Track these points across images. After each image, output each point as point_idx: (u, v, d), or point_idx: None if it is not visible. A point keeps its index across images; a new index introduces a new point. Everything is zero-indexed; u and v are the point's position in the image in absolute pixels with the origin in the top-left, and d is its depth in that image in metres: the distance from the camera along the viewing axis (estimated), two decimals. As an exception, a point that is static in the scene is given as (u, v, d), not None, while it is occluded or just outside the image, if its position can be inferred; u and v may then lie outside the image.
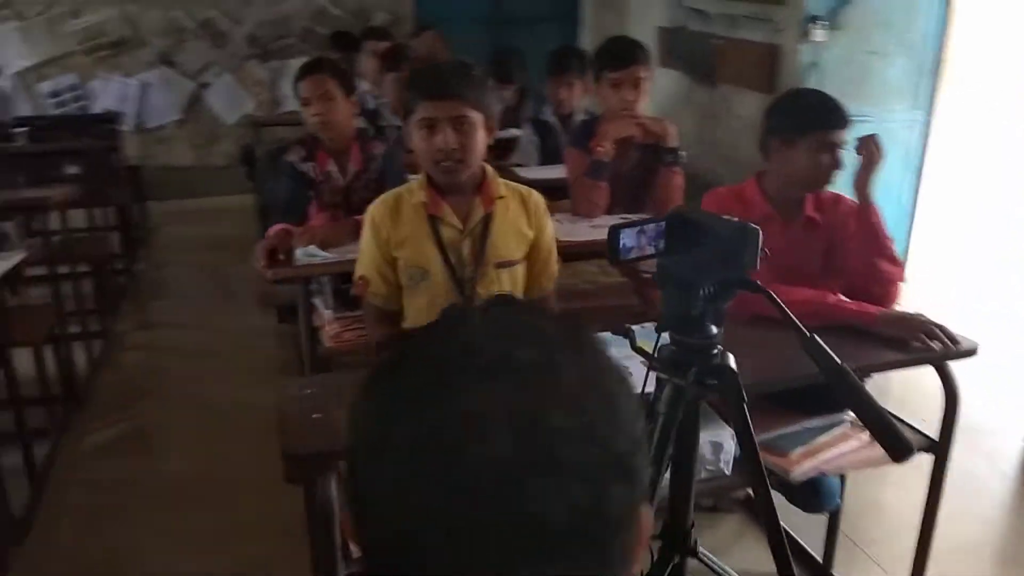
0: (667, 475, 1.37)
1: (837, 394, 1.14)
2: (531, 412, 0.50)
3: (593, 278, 2.62)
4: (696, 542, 1.42)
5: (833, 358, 1.13)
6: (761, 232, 1.18)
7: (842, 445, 1.86)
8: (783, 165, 2.09)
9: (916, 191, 4.62)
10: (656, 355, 1.29)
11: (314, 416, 1.53)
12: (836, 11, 4.14)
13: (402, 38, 5.41)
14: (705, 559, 1.41)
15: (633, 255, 1.21)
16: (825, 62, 4.22)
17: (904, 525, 2.22)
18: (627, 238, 1.19)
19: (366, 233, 2.06)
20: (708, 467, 1.77)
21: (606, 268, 2.70)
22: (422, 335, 0.59)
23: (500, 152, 4.15)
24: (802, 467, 1.79)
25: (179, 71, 6.16)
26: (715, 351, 1.27)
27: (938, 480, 1.97)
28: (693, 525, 1.41)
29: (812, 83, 4.20)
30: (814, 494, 2.18)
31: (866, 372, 1.88)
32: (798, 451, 1.81)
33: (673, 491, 1.37)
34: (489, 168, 2.09)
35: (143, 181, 5.72)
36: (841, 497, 2.27)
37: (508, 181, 2.14)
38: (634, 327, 1.32)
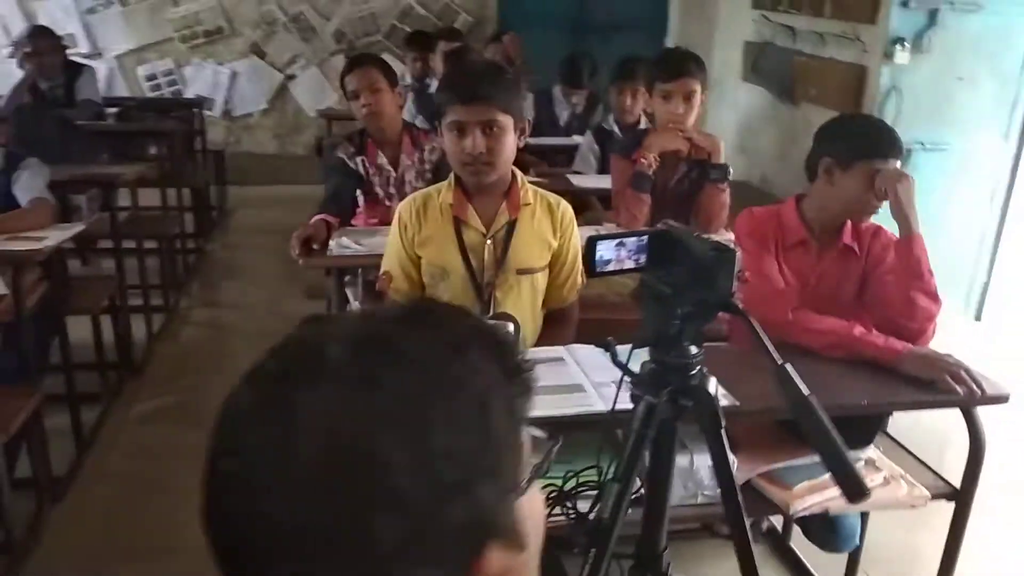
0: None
1: (800, 426, 1.10)
2: (329, 426, 0.50)
3: (624, 290, 2.58)
4: (669, 565, 1.39)
5: (800, 389, 1.09)
6: (739, 256, 1.14)
7: (852, 483, 1.78)
8: (831, 189, 2.03)
9: (1000, 226, 4.39)
10: (635, 371, 1.27)
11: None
12: (923, 33, 3.98)
13: (479, 41, 5.48)
14: (675, 584, 1.38)
15: (611, 268, 1.20)
16: (906, 85, 4.06)
17: (929, 570, 2.12)
18: (604, 250, 1.18)
19: (393, 229, 2.10)
20: (706, 492, 1.73)
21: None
22: (302, 326, 0.61)
23: (563, 159, 4.16)
24: (803, 502, 1.72)
25: (268, 62, 6.39)
26: (693, 372, 1.24)
27: (958, 529, 1.86)
28: (666, 548, 1.38)
29: (891, 107, 4.05)
30: (831, 533, 2.11)
31: (885, 409, 1.80)
32: (802, 485, 1.75)
33: (646, 511, 1.34)
34: (520, 174, 2.10)
35: (226, 165, 5.96)
36: (862, 538, 2.18)
37: (539, 189, 2.14)
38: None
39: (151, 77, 6.32)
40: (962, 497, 1.84)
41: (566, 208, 2.12)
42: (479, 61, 2.74)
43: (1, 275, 2.19)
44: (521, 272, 2.04)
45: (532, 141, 4.37)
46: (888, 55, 4.02)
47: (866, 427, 1.87)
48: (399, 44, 6.08)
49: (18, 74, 4.26)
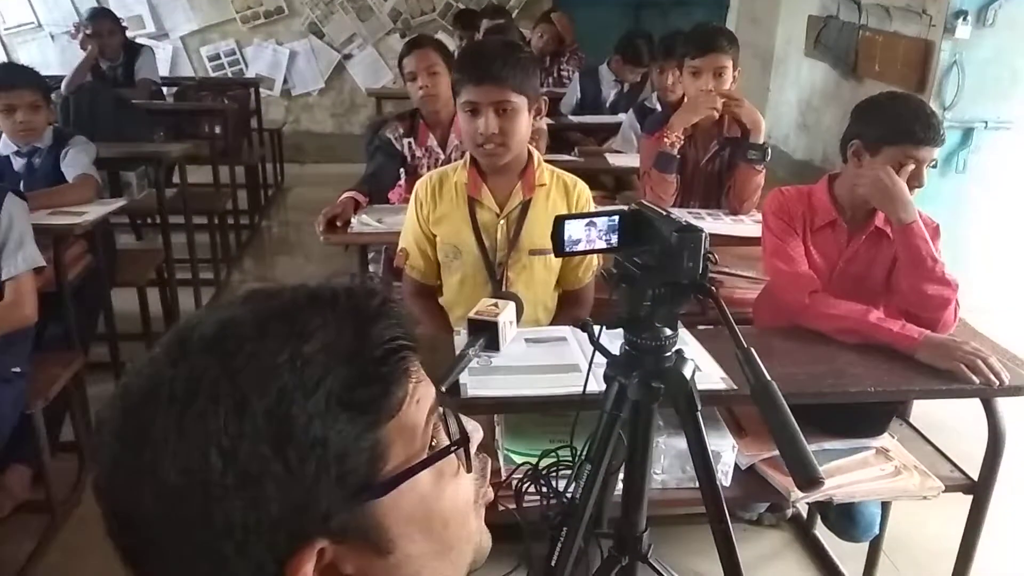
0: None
1: (759, 408, 1.07)
2: (130, 403, 0.51)
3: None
4: (650, 547, 1.38)
5: (762, 373, 1.07)
6: (706, 237, 1.12)
7: (859, 472, 1.74)
8: (860, 172, 1.97)
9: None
10: (612, 353, 1.26)
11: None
12: (987, 7, 3.77)
13: (530, 19, 5.44)
14: (656, 565, 1.37)
15: (580, 248, 1.19)
16: (968, 61, 3.86)
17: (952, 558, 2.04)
18: (572, 230, 1.17)
19: (410, 207, 2.12)
20: (704, 475, 1.71)
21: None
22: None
23: (606, 138, 4.13)
24: (805, 488, 1.68)
25: (326, 42, 6.48)
26: (668, 354, 1.22)
27: (976, 521, 1.80)
28: (647, 529, 1.37)
29: (951, 83, 3.87)
30: (849, 522, 2.07)
31: (894, 397, 1.74)
32: (805, 472, 1.71)
33: (625, 493, 1.34)
34: (536, 154, 2.09)
35: (283, 144, 6.10)
36: (883, 527, 2.12)
37: (556, 169, 2.13)
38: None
39: (214, 57, 6.49)
40: (980, 489, 1.77)
41: (583, 189, 2.10)
42: (493, 41, 2.71)
43: (43, 248, 2.29)
44: (534, 252, 2.04)
45: (576, 118, 4.37)
46: (950, 29, 3.83)
47: (879, 415, 1.82)
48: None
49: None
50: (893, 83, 4.61)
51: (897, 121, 1.92)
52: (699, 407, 1.24)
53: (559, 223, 1.16)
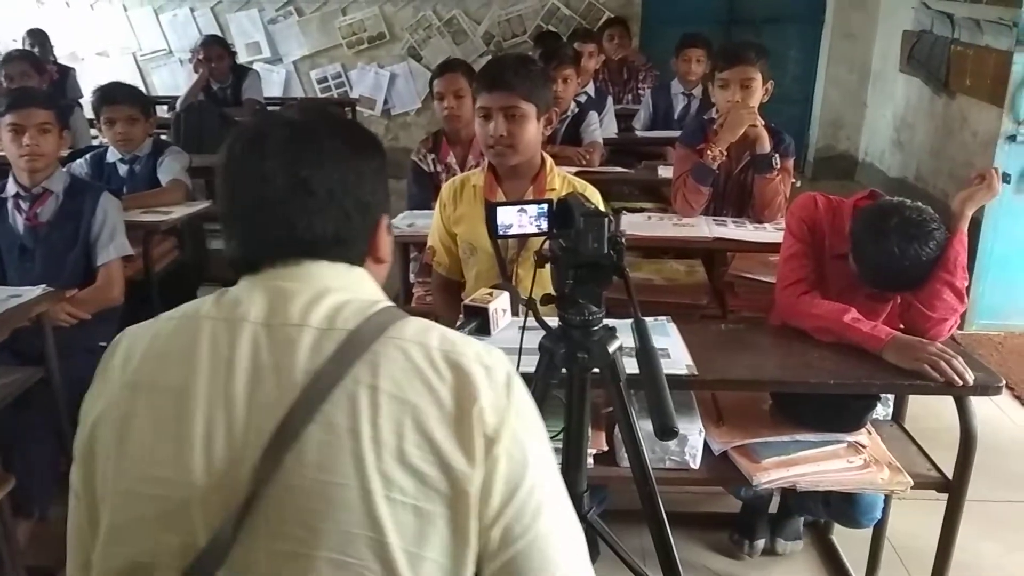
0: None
1: (638, 365, 1.21)
2: (289, 162, 0.90)
3: (674, 276, 2.66)
4: (592, 509, 1.53)
5: (648, 339, 1.21)
6: (610, 220, 1.27)
7: (825, 463, 1.81)
8: None
9: None
10: (551, 327, 1.43)
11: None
12: (1066, 17, 3.66)
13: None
14: (595, 524, 1.51)
15: (513, 231, 1.37)
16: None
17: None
18: (504, 216, 1.35)
19: (436, 209, 2.35)
20: (673, 458, 1.82)
21: (695, 269, 2.73)
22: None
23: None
24: (768, 475, 1.77)
25: (423, 64, 6.85)
26: (595, 329, 1.37)
27: (951, 520, 1.83)
28: (587, 490, 1.52)
29: (1025, 97, 3.77)
30: (850, 505, 2.10)
31: (852, 390, 1.79)
32: (771, 460, 1.80)
33: (564, 454, 1.49)
34: (549, 160, 2.27)
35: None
36: (885, 512, 2.13)
37: (570, 175, 2.30)
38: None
39: (322, 80, 6.98)
40: (954, 488, 1.81)
41: (592, 193, 2.25)
42: (511, 55, 2.91)
43: (135, 242, 2.65)
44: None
45: (645, 134, 4.50)
46: (1021, 42, 3.74)
47: (853, 412, 1.87)
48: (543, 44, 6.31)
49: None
50: (983, 98, 4.50)
51: None
52: (622, 379, 1.38)
53: (491, 209, 1.34)
